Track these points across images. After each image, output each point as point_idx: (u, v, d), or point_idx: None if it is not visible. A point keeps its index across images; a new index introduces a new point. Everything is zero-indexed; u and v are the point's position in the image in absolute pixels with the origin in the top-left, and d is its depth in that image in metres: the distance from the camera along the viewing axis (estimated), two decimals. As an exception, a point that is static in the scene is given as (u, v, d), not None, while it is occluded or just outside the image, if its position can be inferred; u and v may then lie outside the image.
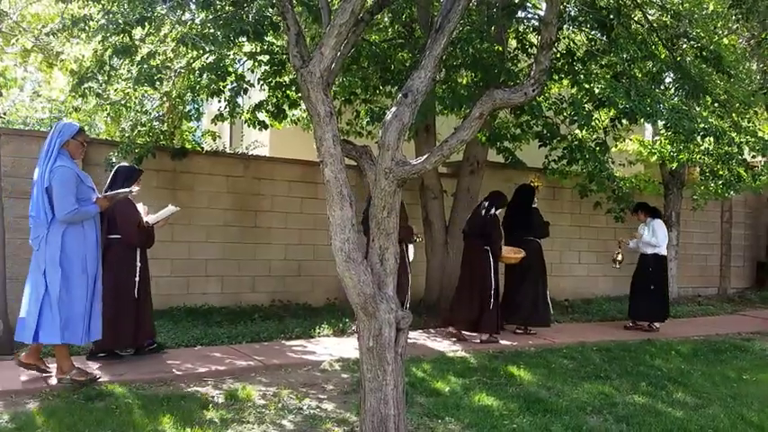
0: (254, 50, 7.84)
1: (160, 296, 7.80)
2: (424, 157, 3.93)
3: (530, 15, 8.41)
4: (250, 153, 10.08)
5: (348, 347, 6.41)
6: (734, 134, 7.39)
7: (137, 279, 5.70)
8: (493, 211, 7.19)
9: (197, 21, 7.08)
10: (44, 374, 5.02)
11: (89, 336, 4.95)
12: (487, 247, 7.10)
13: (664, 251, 8.29)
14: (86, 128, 14.39)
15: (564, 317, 8.90)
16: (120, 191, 5.29)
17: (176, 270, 7.99)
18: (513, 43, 7.96)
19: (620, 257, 8.41)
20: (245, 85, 7.71)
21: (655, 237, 8.13)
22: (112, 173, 5.81)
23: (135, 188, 5.50)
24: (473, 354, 6.43)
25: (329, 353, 6.22)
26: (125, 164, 6.10)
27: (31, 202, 4.87)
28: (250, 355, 5.98)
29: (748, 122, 9.16)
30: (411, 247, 7.17)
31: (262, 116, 8.40)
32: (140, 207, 5.83)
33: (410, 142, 8.73)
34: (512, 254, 7.35)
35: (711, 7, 9.48)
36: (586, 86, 7.17)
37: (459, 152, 8.69)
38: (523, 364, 6.06)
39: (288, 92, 8.12)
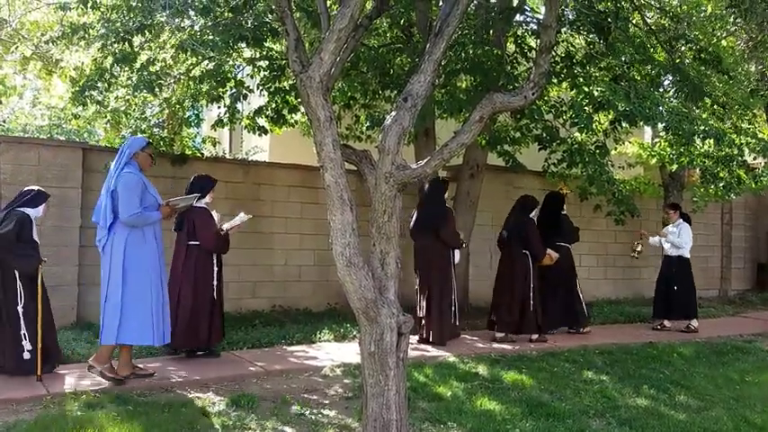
0: (253, 56, 7.86)
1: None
2: (425, 161, 3.93)
3: (528, 19, 8.43)
4: (250, 158, 10.09)
5: (349, 352, 6.39)
6: (734, 136, 7.38)
7: (214, 283, 6.03)
8: (529, 215, 7.44)
9: (196, 27, 7.09)
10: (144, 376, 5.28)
11: (161, 338, 5.22)
12: (525, 251, 7.30)
13: (687, 254, 8.45)
14: (85, 135, 14.49)
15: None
16: (180, 199, 5.57)
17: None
18: (511, 47, 7.97)
19: (639, 248, 8.55)
20: (244, 91, 7.72)
21: (681, 239, 8.32)
22: (189, 182, 6.12)
23: (208, 198, 5.97)
24: (475, 358, 6.41)
25: (331, 358, 6.21)
26: (201, 174, 6.33)
27: (95, 210, 5.19)
28: (251, 361, 5.96)
29: (748, 124, 9.17)
30: (457, 253, 7.30)
31: (261, 121, 8.41)
32: (214, 214, 6.12)
33: (410, 146, 8.73)
34: (548, 257, 7.55)
35: (710, 9, 9.49)
36: (586, 89, 7.18)
37: (459, 156, 8.70)
38: (525, 369, 6.04)
39: (287, 97, 8.13)
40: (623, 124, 6.93)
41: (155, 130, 7.98)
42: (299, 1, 6.86)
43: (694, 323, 8.45)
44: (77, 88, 7.05)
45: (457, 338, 7.24)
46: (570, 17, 6.95)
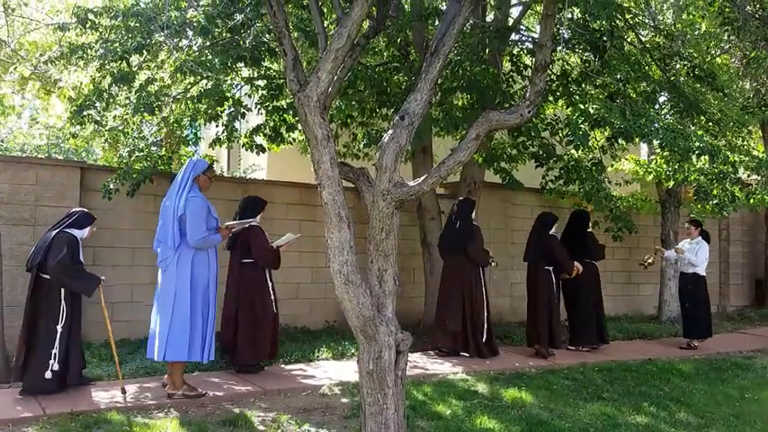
0: (251, 75, 7.90)
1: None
2: (422, 178, 3.95)
3: (523, 38, 8.50)
4: (248, 176, 10.11)
5: (348, 371, 6.36)
6: (728, 153, 7.43)
7: (272, 298, 6.29)
8: (549, 231, 7.60)
9: (194, 47, 7.14)
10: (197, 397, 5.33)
11: (209, 355, 5.39)
12: (548, 267, 7.49)
13: (703, 272, 8.54)
14: (83, 154, 14.51)
15: (563, 336, 8.84)
16: (236, 222, 5.94)
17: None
18: (507, 65, 8.03)
19: (650, 260, 8.60)
20: (242, 110, 7.75)
21: (697, 257, 8.42)
22: (240, 204, 6.48)
23: (257, 219, 6.17)
24: (474, 376, 6.38)
25: (329, 377, 6.17)
26: (252, 195, 6.70)
27: (158, 229, 5.39)
28: (248, 380, 5.93)
29: (742, 141, 9.23)
30: (487, 270, 7.50)
31: (259, 140, 8.43)
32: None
33: (407, 164, 8.76)
34: (575, 269, 7.69)
35: (704, 27, 9.60)
36: (582, 107, 7.23)
37: (456, 173, 8.72)
38: (525, 386, 6.01)
39: (285, 115, 8.16)
40: (619, 141, 6.98)
41: (153, 148, 7.97)
42: (296, 21, 6.92)
43: (695, 342, 8.46)
44: (75, 108, 7.08)
45: (496, 356, 7.34)
46: (565, 36, 7.02)
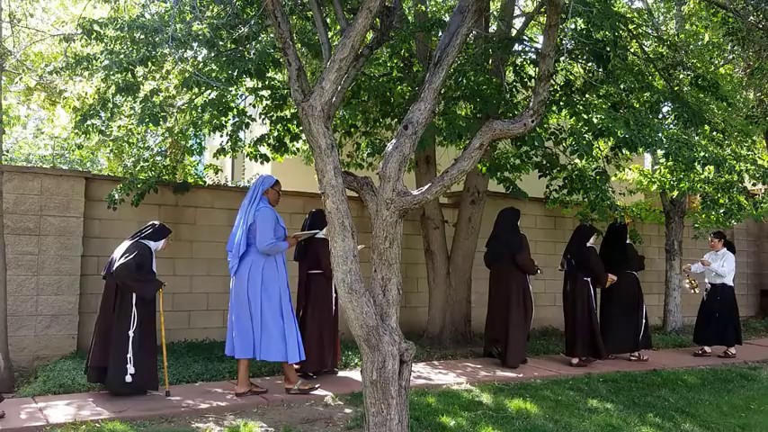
0: (255, 86, 7.94)
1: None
2: (426, 187, 3.96)
3: (527, 48, 8.52)
4: (251, 186, 10.10)
5: (352, 381, 6.34)
6: (734, 162, 7.42)
7: (335, 308, 6.56)
8: (588, 244, 7.81)
9: (200, 59, 7.18)
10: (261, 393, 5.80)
11: (296, 354, 5.72)
12: (586, 278, 7.69)
13: (730, 282, 8.76)
14: (88, 164, 14.56)
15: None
16: (303, 233, 6.36)
17: (177, 304, 7.95)
18: (510, 76, 8.05)
19: (695, 282, 8.89)
20: (246, 120, 7.78)
21: (725, 267, 8.65)
22: (309, 216, 6.79)
23: (323, 231, 6.30)
24: (479, 386, 6.36)
25: (333, 387, 6.15)
26: (320, 209, 6.81)
27: (229, 239, 5.85)
28: (252, 391, 5.91)
29: (747, 150, 9.21)
30: (532, 279, 7.72)
31: (263, 149, 8.46)
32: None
33: (411, 173, 8.77)
34: (609, 279, 7.94)
35: (707, 38, 9.61)
36: (585, 117, 7.23)
37: (459, 182, 8.74)
38: (530, 397, 5.98)
39: (289, 125, 8.19)
40: (623, 151, 6.97)
41: (157, 158, 8.00)
42: (299, 33, 6.96)
43: (732, 350, 8.66)
44: (79, 117, 7.12)
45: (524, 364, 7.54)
46: (569, 46, 7.03)
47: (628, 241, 8.41)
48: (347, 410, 5.45)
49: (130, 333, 5.54)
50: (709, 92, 7.44)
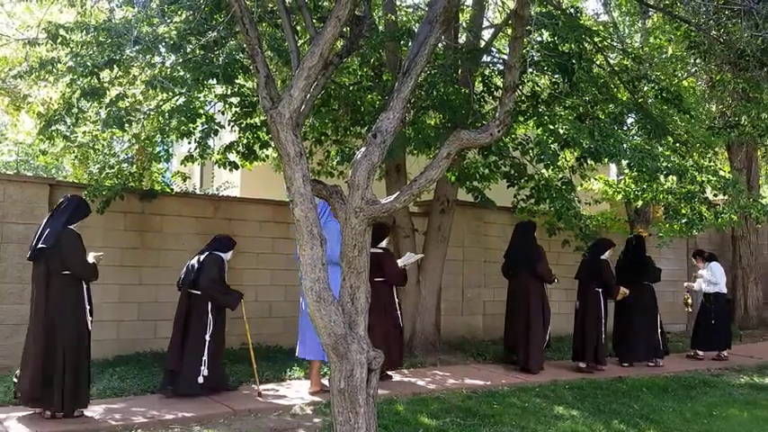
0: (224, 92, 7.89)
1: (125, 341, 7.64)
2: (394, 195, 3.97)
3: (495, 59, 8.64)
4: (220, 194, 10.04)
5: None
6: (696, 173, 7.60)
7: (398, 313, 7.00)
8: (603, 257, 8.18)
9: (167, 64, 7.11)
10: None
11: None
12: (598, 289, 8.05)
13: (723, 289, 9.36)
14: (53, 170, 14.28)
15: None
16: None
17: (143, 314, 7.83)
18: (479, 86, 8.14)
19: (690, 301, 9.67)
20: (215, 127, 7.72)
21: (714, 276, 9.23)
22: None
23: (384, 242, 6.94)
24: (448, 394, 6.38)
25: (300, 396, 6.12)
26: (380, 223, 7.29)
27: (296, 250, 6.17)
28: (218, 401, 5.84)
29: (709, 162, 9.44)
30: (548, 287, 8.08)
31: (232, 157, 8.39)
32: None
33: (381, 182, 8.79)
34: (621, 292, 8.31)
35: (670, 51, 9.85)
36: (551, 127, 7.35)
37: (429, 191, 8.77)
38: (497, 404, 6.02)
39: (259, 133, 8.14)
40: (588, 161, 7.09)
41: (123, 165, 7.88)
42: (270, 40, 6.95)
43: (724, 353, 9.22)
44: (44, 122, 6.99)
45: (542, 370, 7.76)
46: (535, 58, 7.15)
47: (647, 254, 8.87)
48: (315, 420, 5.43)
49: (207, 337, 5.93)
50: (673, 104, 7.63)
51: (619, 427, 5.50)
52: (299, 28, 6.58)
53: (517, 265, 8.01)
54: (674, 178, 7.13)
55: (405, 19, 9.38)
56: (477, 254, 10.16)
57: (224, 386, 6.14)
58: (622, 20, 11.42)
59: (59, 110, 6.96)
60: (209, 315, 5.99)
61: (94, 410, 5.35)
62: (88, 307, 5.31)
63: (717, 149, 10.97)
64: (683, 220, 8.51)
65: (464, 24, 8.87)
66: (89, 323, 5.31)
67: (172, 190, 8.63)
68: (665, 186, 8.32)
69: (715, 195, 9.35)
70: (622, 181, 9.80)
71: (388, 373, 6.99)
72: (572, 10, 7.86)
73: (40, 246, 5.13)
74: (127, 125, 6.76)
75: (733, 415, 6.10)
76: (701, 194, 8.03)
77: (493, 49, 8.77)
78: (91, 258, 5.42)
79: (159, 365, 7.03)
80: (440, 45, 7.83)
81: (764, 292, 13.20)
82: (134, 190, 7.75)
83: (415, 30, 7.15)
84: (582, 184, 9.97)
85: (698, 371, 8.28)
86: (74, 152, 8.28)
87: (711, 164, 9.33)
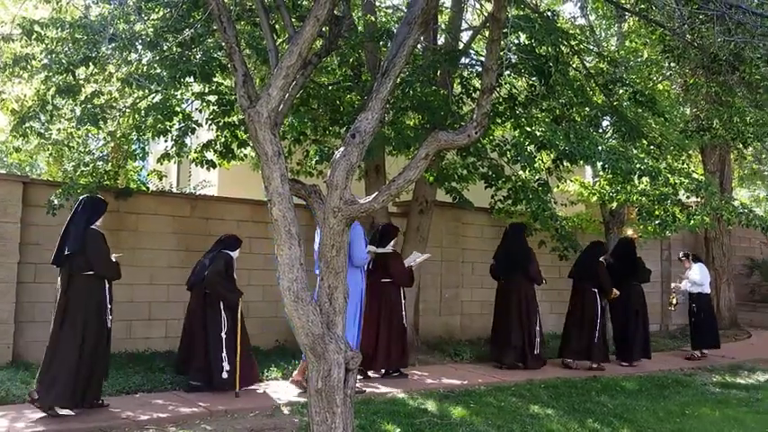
0: (202, 91, 7.83)
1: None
2: (373, 195, 3.98)
3: (473, 61, 8.68)
4: (198, 192, 9.96)
5: (297, 390, 6.30)
6: (669, 175, 7.71)
7: (404, 313, 7.24)
8: (599, 258, 8.52)
9: (144, 61, 7.04)
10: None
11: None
12: (594, 288, 8.35)
13: (707, 289, 9.72)
14: (27, 168, 14.07)
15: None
16: (378, 249, 6.97)
17: (118, 314, 7.66)
18: (458, 88, 8.18)
19: (674, 301, 10.09)
20: (192, 125, 7.66)
21: (699, 277, 9.58)
22: (378, 231, 7.36)
23: (392, 243, 7.22)
24: (424, 394, 6.40)
25: (278, 397, 6.10)
26: (387, 223, 7.79)
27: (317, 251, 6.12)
28: (195, 402, 5.80)
29: (682, 164, 9.58)
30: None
31: (210, 155, 8.33)
32: None
33: (360, 182, 8.79)
34: (613, 293, 8.58)
35: (646, 54, 9.98)
36: (528, 129, 7.42)
37: (408, 192, 8.81)
38: (473, 404, 6.06)
39: (236, 131, 8.10)
40: (564, 163, 7.17)
41: (99, 163, 7.77)
42: (248, 38, 6.91)
43: (699, 352, 9.57)
44: (18, 119, 6.88)
45: (544, 365, 8.08)
46: (513, 60, 7.20)
47: (638, 255, 9.16)
48: (293, 420, 5.42)
49: (222, 335, 6.10)
50: (647, 107, 7.74)
51: (593, 426, 5.57)
52: (277, 27, 6.56)
53: (509, 266, 8.15)
54: (648, 180, 7.23)
55: (384, 20, 9.40)
56: (456, 254, 10.21)
57: (249, 380, 6.27)
58: (599, 23, 11.55)
59: (34, 107, 6.85)
60: (223, 313, 6.16)
61: (69, 412, 5.28)
62: (109, 306, 5.48)
63: (691, 152, 11.15)
64: (657, 222, 8.63)
65: (443, 26, 8.91)
66: (109, 322, 5.50)
67: (148, 188, 8.54)
68: (639, 188, 8.44)
69: (688, 197, 9.49)
70: (597, 183, 9.91)
71: (402, 371, 7.20)
72: (549, 13, 7.93)
73: (66, 253, 5.29)
74: (102, 123, 6.68)
75: (705, 414, 6.21)
76: (674, 196, 8.15)
77: (471, 51, 8.82)
78: (113, 258, 5.62)
79: (134, 366, 6.97)
80: (419, 46, 7.86)
81: (737, 293, 13.43)
82: (109, 188, 7.65)
83: (394, 30, 7.18)
84: (558, 186, 10.07)
85: (671, 371, 8.41)
86: (48, 150, 8.15)
87: (684, 166, 9.47)
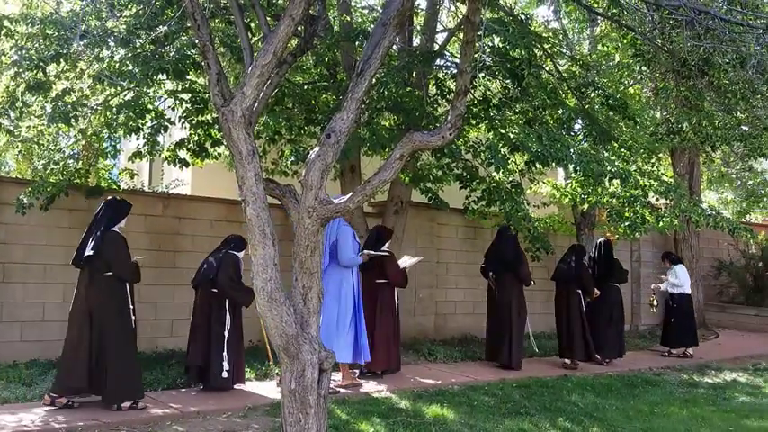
0: (175, 88, 7.75)
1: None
2: (347, 196, 3.99)
3: (448, 63, 8.73)
4: (170, 191, 9.85)
5: (270, 391, 6.27)
6: (639, 178, 7.84)
7: (398, 314, 7.47)
8: (582, 260, 8.86)
9: (116, 58, 6.96)
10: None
11: (363, 356, 6.59)
12: (579, 289, 8.65)
13: (687, 290, 10.03)
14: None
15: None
16: (374, 252, 7.03)
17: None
18: (433, 89, 8.22)
19: (655, 302, 10.40)
20: (165, 123, 7.58)
21: (678, 279, 9.94)
22: (372, 233, 7.54)
23: (386, 245, 7.31)
24: (398, 393, 6.42)
25: (251, 397, 6.06)
26: (382, 226, 7.94)
27: None
28: (166, 403, 5.74)
29: (652, 167, 9.74)
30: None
31: (183, 154, 8.25)
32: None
33: (336, 182, 8.78)
34: (594, 293, 8.92)
35: (617, 59, 10.13)
36: (502, 131, 7.48)
37: (383, 192, 8.83)
38: (447, 403, 6.10)
39: (210, 130, 8.03)
40: (537, 165, 7.25)
41: (69, 161, 7.65)
42: (223, 36, 6.87)
43: (690, 351, 9.83)
44: (-15, 116, 6.75)
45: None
46: (487, 62, 7.26)
47: (615, 257, 9.46)
48: (266, 420, 5.39)
49: (225, 333, 6.19)
50: (618, 111, 7.85)
51: (564, 425, 5.63)
52: (252, 25, 6.52)
53: (499, 267, 8.33)
54: (618, 182, 7.35)
55: (360, 20, 9.40)
56: (430, 254, 10.25)
57: (241, 381, 6.43)
58: (571, 27, 11.69)
59: (3, 103, 6.73)
60: (227, 312, 6.24)
61: (36, 413, 5.19)
62: (132, 307, 5.57)
63: (660, 155, 11.34)
64: (627, 224, 8.77)
65: (418, 27, 8.94)
66: (133, 322, 5.60)
67: (119, 187, 8.43)
68: (610, 190, 8.56)
69: (657, 200, 9.65)
70: (569, 185, 10.03)
71: (384, 372, 7.27)
72: (523, 16, 8.02)
73: (86, 254, 5.40)
74: (73, 120, 6.58)
75: (673, 413, 6.32)
76: (644, 198, 8.28)
77: (446, 52, 8.87)
78: (136, 259, 5.75)
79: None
80: (394, 47, 7.88)
81: (705, 294, 13.69)
82: (80, 187, 7.54)
83: (370, 31, 7.19)
84: (531, 188, 10.17)
85: (641, 370, 8.55)
86: (17, 147, 8.01)
87: (654, 169, 9.62)
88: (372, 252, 7.06)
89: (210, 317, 6.30)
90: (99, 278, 5.42)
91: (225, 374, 6.14)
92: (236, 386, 6.35)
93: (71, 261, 5.66)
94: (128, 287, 5.57)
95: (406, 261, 7.56)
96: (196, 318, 6.45)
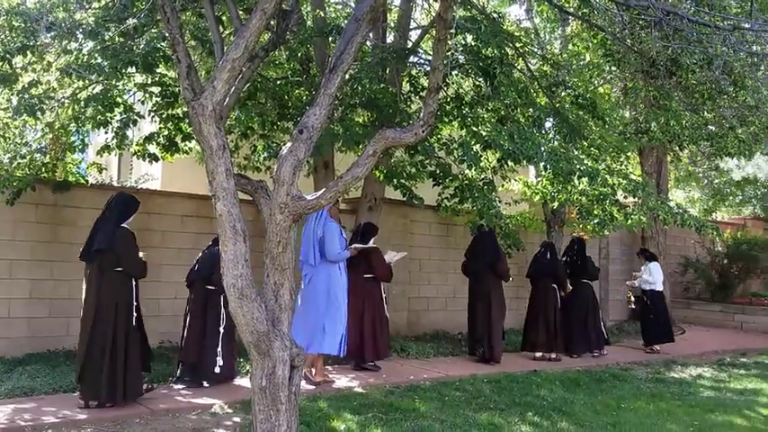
0: (144, 82, 7.65)
1: (36, 338, 7.29)
2: (320, 192, 3.98)
3: (422, 60, 8.75)
4: (139, 186, 9.72)
5: (241, 389, 6.23)
6: (607, 176, 7.95)
7: (386, 307, 7.65)
8: (556, 256, 9.22)
9: (84, 51, 6.84)
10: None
11: (342, 350, 6.62)
12: (554, 285, 8.95)
13: (659, 287, 10.14)
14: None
15: (459, 350, 9.10)
16: (361, 245, 7.18)
17: (55, 310, 7.49)
18: (407, 86, 8.23)
19: (633, 298, 10.67)
20: (134, 117, 7.48)
21: (651, 276, 10.07)
22: (360, 228, 7.71)
23: (371, 243, 7.41)
24: (370, 389, 6.43)
25: (221, 395, 6.02)
26: (369, 222, 7.97)
27: (302, 249, 6.60)
28: (135, 401, 5.67)
29: (621, 166, 9.89)
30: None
31: (153, 148, 8.14)
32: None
33: (310, 178, 8.75)
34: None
35: (588, 58, 10.25)
36: (474, 129, 7.52)
37: (357, 189, 8.82)
38: (418, 398, 6.13)
39: (180, 124, 7.93)
40: (508, 163, 7.32)
41: (36, 155, 7.50)
42: (193, 29, 6.79)
43: (657, 346, 10.05)
44: (-52, 108, 6.58)
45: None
46: (460, 60, 7.29)
47: (588, 255, 9.72)
48: (236, 419, 5.36)
49: (220, 329, 6.27)
50: (588, 110, 7.96)
51: (533, 420, 5.70)
52: (224, 18, 6.46)
53: (479, 263, 8.51)
54: (587, 180, 7.46)
55: (333, 15, 9.37)
56: (403, 251, 10.27)
57: (232, 376, 6.52)
58: (543, 26, 11.79)
59: (-35, 95, 6.57)
60: (222, 309, 6.21)
61: (2, 410, 5.09)
62: (136, 303, 5.57)
63: (629, 154, 11.50)
64: (596, 221, 8.90)
65: (392, 24, 8.94)
66: (133, 319, 5.55)
67: (87, 181, 8.29)
68: (579, 188, 8.68)
69: (626, 197, 9.80)
70: (540, 182, 10.14)
71: (377, 363, 7.48)
72: (495, 15, 8.06)
73: (95, 248, 5.40)
74: (40, 113, 6.46)
75: (640, 407, 6.44)
76: (613, 196, 8.40)
77: (420, 50, 8.88)
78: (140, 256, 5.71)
79: (71, 364, 6.76)
80: (367, 43, 7.87)
81: (672, 291, 13.95)
82: (47, 181, 7.41)
83: (343, 26, 7.18)
84: (503, 185, 10.25)
85: (608, 365, 8.69)
86: (-19, 140, 7.81)
87: (623, 168, 9.77)
88: (360, 245, 7.18)
89: (205, 313, 6.34)
90: (110, 274, 5.44)
91: (217, 369, 6.22)
92: (228, 382, 6.41)
93: (79, 255, 5.63)
94: (135, 283, 5.59)
95: (391, 256, 7.71)
96: (191, 315, 6.45)
